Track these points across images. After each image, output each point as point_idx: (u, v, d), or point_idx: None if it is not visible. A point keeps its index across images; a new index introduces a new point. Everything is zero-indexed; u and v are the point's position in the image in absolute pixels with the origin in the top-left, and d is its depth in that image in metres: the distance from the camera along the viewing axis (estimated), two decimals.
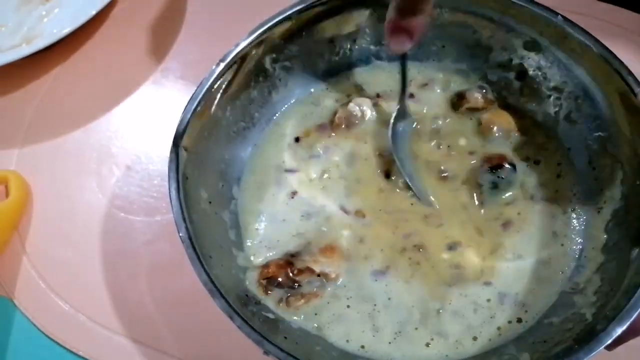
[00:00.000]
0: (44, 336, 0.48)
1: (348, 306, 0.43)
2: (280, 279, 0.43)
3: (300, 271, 0.43)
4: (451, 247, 0.44)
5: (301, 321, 0.43)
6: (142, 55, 0.61)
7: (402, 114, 0.48)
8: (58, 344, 0.47)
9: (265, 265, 0.44)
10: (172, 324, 0.47)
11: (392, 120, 0.48)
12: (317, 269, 0.44)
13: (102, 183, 0.54)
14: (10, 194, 0.52)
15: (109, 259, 0.50)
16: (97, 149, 0.56)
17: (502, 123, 0.49)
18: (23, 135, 0.58)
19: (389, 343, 0.41)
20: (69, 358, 0.47)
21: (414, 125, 0.49)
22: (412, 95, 0.51)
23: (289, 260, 0.44)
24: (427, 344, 0.41)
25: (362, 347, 0.42)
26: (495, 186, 0.46)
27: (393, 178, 0.48)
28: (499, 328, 0.41)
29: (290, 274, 0.43)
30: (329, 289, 0.44)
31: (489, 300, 0.42)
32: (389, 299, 0.43)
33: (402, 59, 0.47)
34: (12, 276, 0.50)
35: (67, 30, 0.57)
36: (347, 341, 0.42)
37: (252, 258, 0.45)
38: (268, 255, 0.45)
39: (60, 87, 0.60)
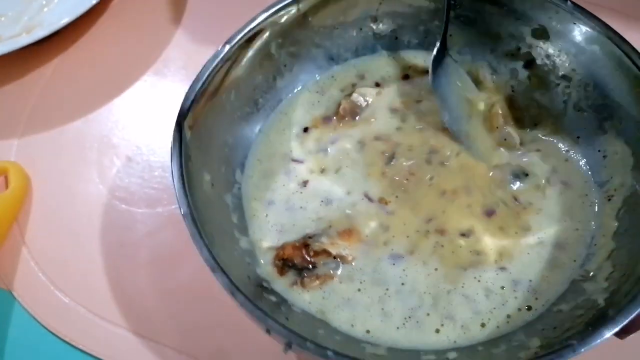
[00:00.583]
0: (43, 329, 0.47)
1: (359, 290, 0.42)
2: (295, 260, 0.43)
3: (317, 253, 0.43)
4: (466, 233, 0.44)
5: (306, 304, 0.42)
6: (143, 45, 0.61)
7: (442, 51, 0.45)
8: (58, 336, 0.47)
9: (281, 247, 0.44)
10: (173, 316, 0.47)
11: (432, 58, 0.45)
12: (334, 251, 0.43)
13: (103, 174, 0.54)
14: (10, 185, 0.51)
15: (110, 250, 0.50)
16: (98, 139, 0.56)
17: (509, 112, 0.49)
18: (23, 125, 0.57)
19: (397, 328, 0.41)
20: (68, 351, 0.46)
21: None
22: None
23: (306, 242, 0.44)
24: (437, 330, 0.40)
25: (368, 331, 0.41)
26: (516, 176, 0.46)
27: (393, 162, 0.47)
28: (508, 315, 0.41)
29: (306, 256, 0.43)
30: (344, 270, 0.43)
31: (502, 287, 0.42)
32: (403, 284, 0.42)
33: None
34: (11, 268, 0.50)
35: (67, 20, 0.57)
36: (352, 325, 0.41)
37: (260, 241, 0.45)
38: (281, 238, 0.45)
39: (60, 77, 0.60)
